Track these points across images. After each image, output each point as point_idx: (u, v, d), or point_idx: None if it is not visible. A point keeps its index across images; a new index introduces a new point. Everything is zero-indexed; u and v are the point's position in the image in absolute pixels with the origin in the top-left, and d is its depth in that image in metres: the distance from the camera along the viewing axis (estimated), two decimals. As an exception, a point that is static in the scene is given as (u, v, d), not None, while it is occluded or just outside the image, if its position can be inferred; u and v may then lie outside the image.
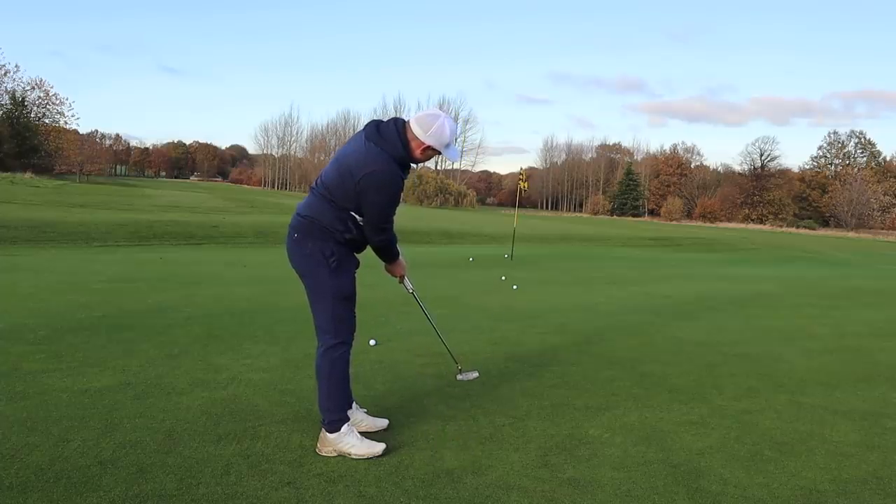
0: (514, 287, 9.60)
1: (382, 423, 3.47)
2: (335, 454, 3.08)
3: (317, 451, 3.11)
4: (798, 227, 76.17)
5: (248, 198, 48.56)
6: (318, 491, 2.71)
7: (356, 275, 3.24)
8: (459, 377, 3.94)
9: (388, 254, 3.30)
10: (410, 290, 3.57)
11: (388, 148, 3.00)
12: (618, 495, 2.82)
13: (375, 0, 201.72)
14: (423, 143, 3.03)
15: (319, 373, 3.16)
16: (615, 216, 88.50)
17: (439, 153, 3.10)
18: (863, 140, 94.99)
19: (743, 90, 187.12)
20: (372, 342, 5.27)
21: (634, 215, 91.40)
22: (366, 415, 3.48)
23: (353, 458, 3.05)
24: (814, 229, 73.53)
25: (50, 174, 61.29)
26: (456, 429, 3.50)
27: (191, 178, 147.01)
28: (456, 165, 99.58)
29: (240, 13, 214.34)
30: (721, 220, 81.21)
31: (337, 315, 3.14)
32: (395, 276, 3.49)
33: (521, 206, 19.22)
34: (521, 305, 7.94)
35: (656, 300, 9.14)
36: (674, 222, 76.79)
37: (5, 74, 64.95)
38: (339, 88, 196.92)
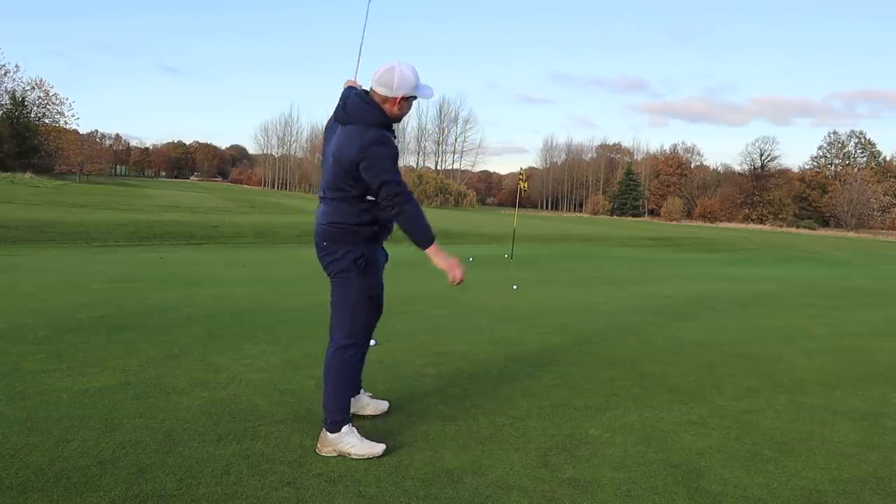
0: (514, 287, 9.60)
1: (384, 405, 3.66)
2: (335, 454, 3.08)
3: (317, 450, 3.11)
4: (798, 227, 76.17)
5: (248, 198, 48.60)
6: (318, 491, 2.71)
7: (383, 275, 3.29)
8: None
9: (418, 226, 2.97)
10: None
11: (366, 120, 2.99)
12: (618, 495, 2.82)
13: (375, 0, 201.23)
14: (396, 98, 3.01)
15: (328, 371, 3.18)
16: (615, 216, 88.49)
17: (415, 97, 3.09)
18: (863, 140, 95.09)
19: (744, 90, 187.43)
20: (372, 342, 5.25)
21: (634, 215, 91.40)
22: (370, 398, 3.61)
23: (353, 458, 3.06)
24: (814, 229, 73.53)
25: (50, 174, 61.34)
26: (456, 429, 3.50)
27: (191, 178, 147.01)
28: (456, 165, 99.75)
29: (240, 13, 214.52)
30: (721, 220, 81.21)
31: (358, 315, 3.17)
32: (451, 276, 3.06)
33: (521, 206, 19.22)
34: (521, 305, 7.93)
35: (656, 300, 9.14)
36: (674, 222, 76.79)
37: (5, 74, 65.07)
38: (339, 88, 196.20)
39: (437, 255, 3.04)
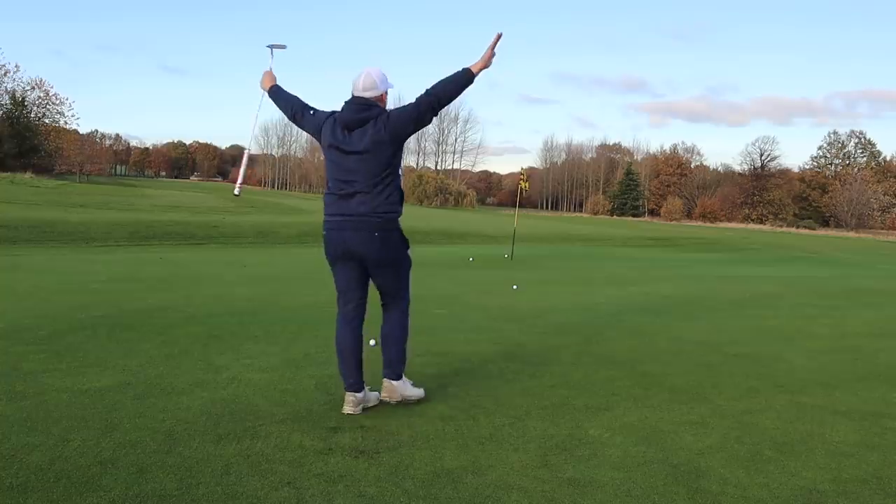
0: (515, 287, 9.60)
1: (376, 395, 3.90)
2: (399, 399, 3.76)
3: (385, 398, 3.77)
4: (798, 227, 76.12)
5: (248, 198, 48.61)
6: (318, 491, 2.71)
7: None
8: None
9: (454, 81, 3.52)
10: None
11: (376, 114, 3.53)
12: (618, 495, 2.82)
13: (376, 0, 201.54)
14: (383, 93, 3.62)
15: (397, 331, 3.81)
16: (615, 216, 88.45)
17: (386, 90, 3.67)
18: (863, 140, 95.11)
19: (745, 90, 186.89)
20: (372, 342, 5.25)
21: (634, 215, 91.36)
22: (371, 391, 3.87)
23: (410, 402, 3.78)
24: (814, 229, 73.49)
25: (50, 174, 61.39)
26: (456, 429, 3.50)
27: (191, 177, 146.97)
28: (456, 165, 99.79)
29: (240, 13, 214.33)
30: (721, 220, 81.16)
31: (409, 282, 3.86)
32: (491, 53, 3.58)
33: (521, 206, 19.19)
34: (521, 305, 7.93)
35: (656, 300, 9.14)
36: (674, 222, 76.76)
37: (5, 74, 65.10)
38: (340, 88, 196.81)
39: (478, 66, 3.57)
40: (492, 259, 15.21)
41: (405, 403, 3.83)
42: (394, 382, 3.75)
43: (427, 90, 3.47)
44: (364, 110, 3.52)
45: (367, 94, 3.54)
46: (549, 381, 4.53)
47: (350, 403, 3.63)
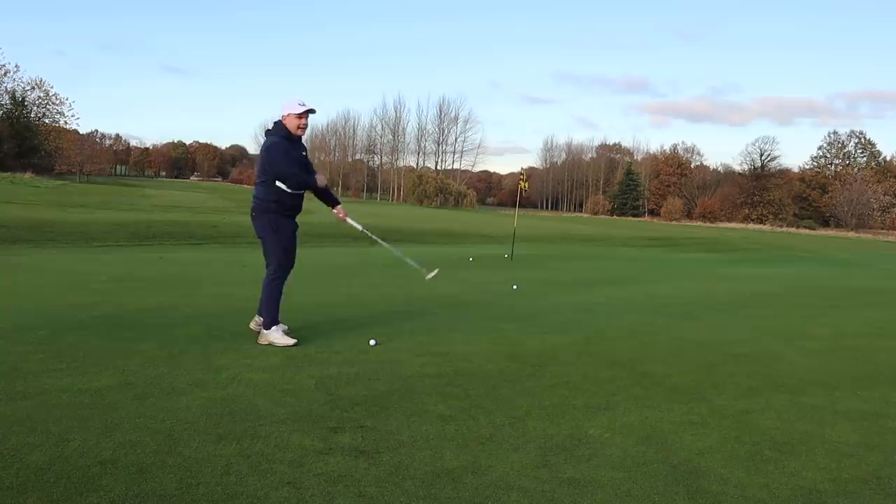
0: (514, 287, 9.60)
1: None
2: (266, 343, 5.01)
3: (258, 342, 5.04)
4: (798, 227, 76.11)
5: (249, 198, 48.56)
6: (317, 491, 2.71)
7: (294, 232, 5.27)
8: (428, 276, 6.06)
9: (307, 187, 5.14)
10: (360, 229, 5.66)
11: (269, 135, 5.08)
12: (618, 495, 2.82)
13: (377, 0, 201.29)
14: (283, 115, 4.98)
15: (265, 292, 5.15)
16: (615, 216, 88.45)
17: (302, 114, 4.96)
18: (863, 140, 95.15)
19: (747, 90, 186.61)
20: (372, 342, 5.27)
21: (634, 215, 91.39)
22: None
23: (277, 347, 4.95)
24: (814, 229, 73.49)
25: (50, 174, 61.45)
26: (456, 429, 3.50)
27: (191, 177, 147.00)
28: (456, 165, 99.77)
29: (240, 13, 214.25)
30: (721, 220, 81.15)
31: (275, 258, 5.16)
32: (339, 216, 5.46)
33: (520, 206, 19.18)
34: (521, 305, 7.93)
35: (656, 300, 9.13)
36: (674, 222, 76.75)
37: (5, 74, 65.15)
38: (339, 88, 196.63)
39: (322, 181, 5.27)
40: (492, 259, 15.20)
41: (407, 409, 3.84)
42: (263, 330, 5.09)
43: (293, 181, 4.99)
44: (267, 132, 5.14)
45: (279, 117, 5.06)
46: (549, 381, 4.53)
47: (255, 323, 5.34)
